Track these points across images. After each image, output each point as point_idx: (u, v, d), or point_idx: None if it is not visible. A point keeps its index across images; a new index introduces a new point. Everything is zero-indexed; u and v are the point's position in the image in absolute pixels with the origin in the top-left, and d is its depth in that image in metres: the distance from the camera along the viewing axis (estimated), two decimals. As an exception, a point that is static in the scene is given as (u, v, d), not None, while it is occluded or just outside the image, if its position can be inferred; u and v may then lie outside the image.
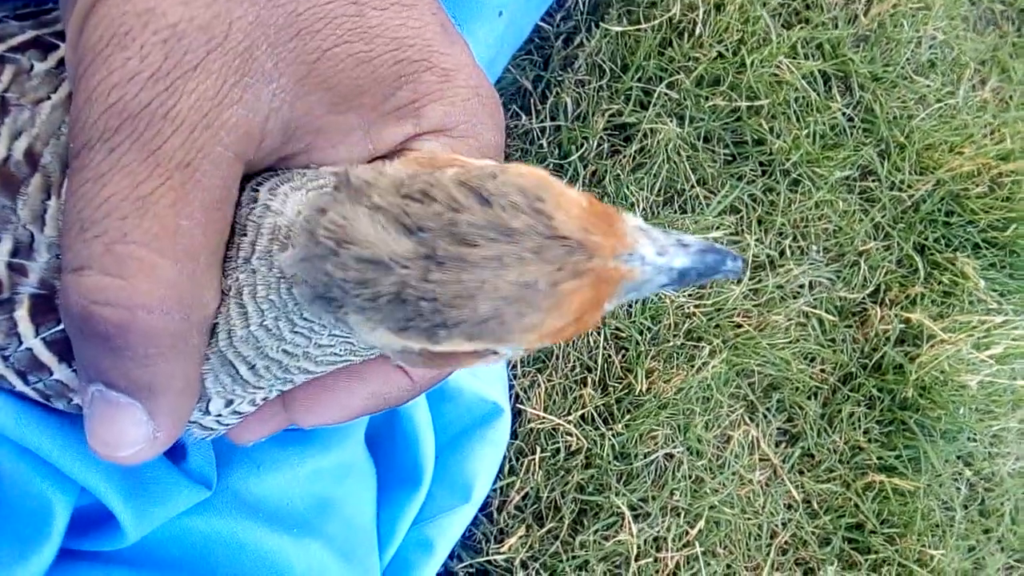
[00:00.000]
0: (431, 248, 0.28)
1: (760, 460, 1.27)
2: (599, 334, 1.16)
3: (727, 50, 1.32)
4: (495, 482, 1.08)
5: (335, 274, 0.30)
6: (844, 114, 1.44)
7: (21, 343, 0.41)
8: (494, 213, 0.28)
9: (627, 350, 1.18)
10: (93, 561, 0.62)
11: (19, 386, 0.44)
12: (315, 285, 0.31)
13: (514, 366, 1.12)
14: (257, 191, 0.39)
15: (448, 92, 0.40)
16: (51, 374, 0.42)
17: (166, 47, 0.36)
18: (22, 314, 0.40)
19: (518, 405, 1.11)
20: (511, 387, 1.11)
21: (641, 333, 1.18)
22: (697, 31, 1.28)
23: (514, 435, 1.11)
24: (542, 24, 1.30)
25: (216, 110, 0.37)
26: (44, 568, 0.55)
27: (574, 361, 1.16)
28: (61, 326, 0.41)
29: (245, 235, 0.38)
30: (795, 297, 1.34)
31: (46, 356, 0.42)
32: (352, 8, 0.39)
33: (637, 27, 1.28)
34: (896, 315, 1.35)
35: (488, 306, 0.28)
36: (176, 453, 0.64)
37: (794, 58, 1.40)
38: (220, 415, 0.46)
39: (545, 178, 0.29)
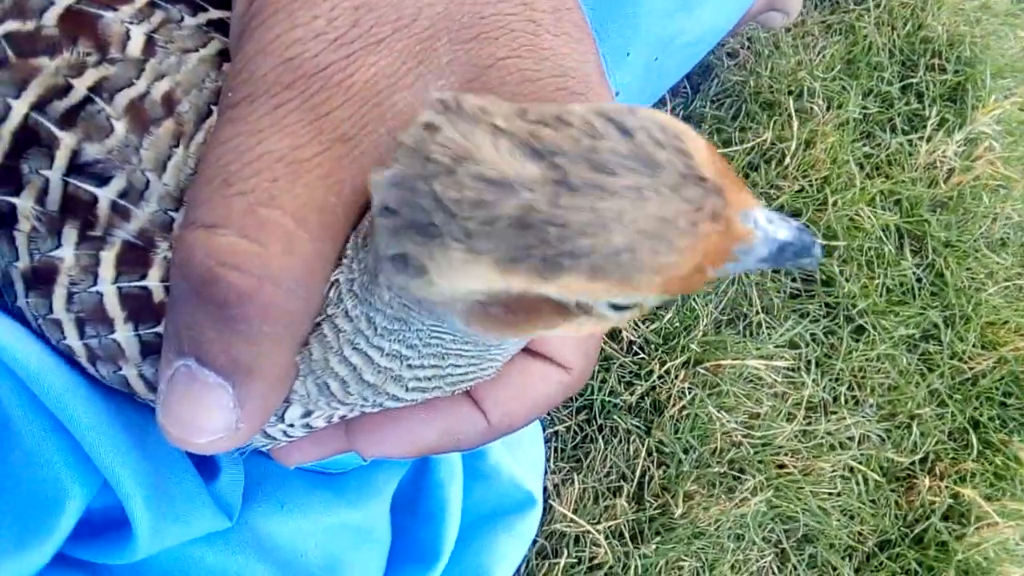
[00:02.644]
0: (564, 173, 0.25)
1: (784, 616, 1.18)
2: (641, 444, 1.10)
3: (811, 185, 1.31)
4: (510, 581, 0.99)
5: (446, 194, 0.26)
6: (914, 273, 1.41)
7: (95, 283, 0.38)
8: (636, 144, 0.26)
9: (668, 466, 1.11)
10: (87, 572, 0.56)
11: (71, 338, 0.40)
12: (411, 211, 0.27)
13: (550, 459, 1.06)
14: None
15: None
16: (111, 331, 0.39)
17: (356, 14, 0.35)
18: (108, 255, 0.37)
19: (548, 501, 1.04)
20: (544, 480, 1.04)
21: (686, 452, 1.11)
22: (785, 161, 1.28)
23: (537, 533, 1.04)
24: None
25: (389, 90, 0.35)
26: (39, 566, 0.49)
27: (611, 466, 1.09)
28: (143, 282, 0.38)
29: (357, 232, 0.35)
30: (843, 448, 1.28)
31: (114, 307, 0.38)
32: (531, 26, 0.38)
33: (727, 150, 1.28)
34: (946, 487, 1.28)
35: (623, 238, 0.25)
36: (207, 470, 0.58)
37: (873, 208, 1.39)
38: (292, 424, 0.42)
39: (686, 126, 0.27)
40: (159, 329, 0.38)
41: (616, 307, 0.29)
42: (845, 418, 1.27)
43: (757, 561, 1.18)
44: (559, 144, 0.26)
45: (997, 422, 1.40)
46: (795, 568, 1.21)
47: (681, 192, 0.26)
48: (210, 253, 0.33)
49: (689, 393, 1.16)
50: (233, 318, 0.33)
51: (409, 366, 0.37)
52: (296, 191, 0.33)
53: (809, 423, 1.25)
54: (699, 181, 0.26)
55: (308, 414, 0.41)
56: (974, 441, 1.36)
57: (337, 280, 0.35)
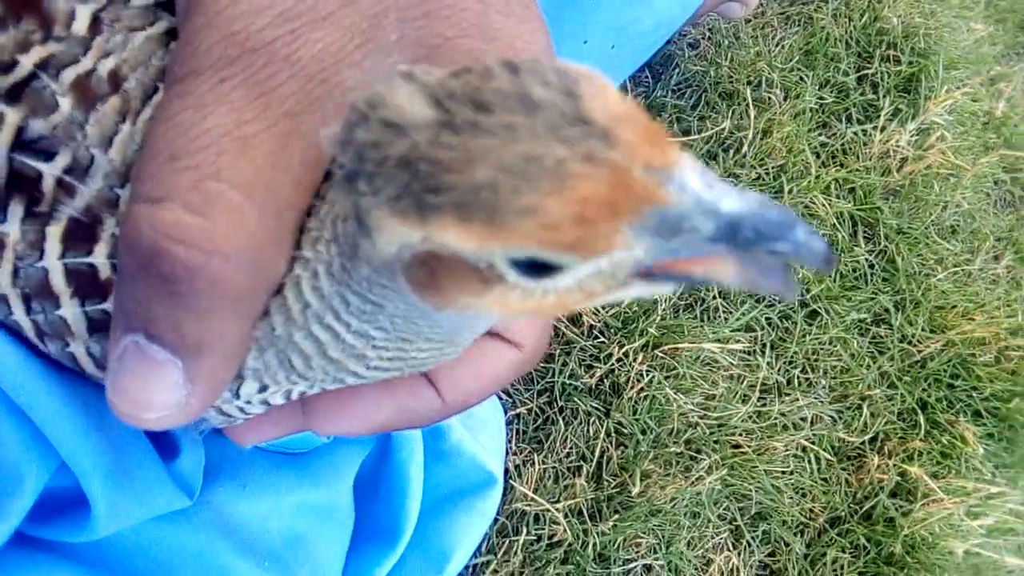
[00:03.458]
0: (450, 115, 0.25)
1: (737, 590, 1.21)
2: (600, 425, 1.12)
3: (767, 173, 1.34)
4: (471, 558, 1.01)
5: (359, 138, 0.27)
6: (867, 259, 1.45)
7: (41, 259, 0.37)
8: (520, 83, 0.25)
9: (626, 447, 1.14)
10: (47, 551, 0.56)
11: (19, 314, 0.40)
12: (346, 162, 0.28)
13: (511, 440, 1.08)
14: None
15: None
16: (57, 307, 0.39)
17: None
18: (55, 231, 0.37)
19: (508, 481, 1.06)
20: (504, 460, 1.06)
21: (644, 432, 1.14)
22: (743, 150, 1.30)
23: (497, 512, 1.06)
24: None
25: (336, 66, 0.34)
26: (-4, 547, 0.49)
27: (571, 447, 1.12)
28: (89, 259, 0.37)
29: (316, 211, 0.35)
30: (796, 428, 1.32)
31: (59, 283, 0.38)
32: (479, 6, 0.37)
33: (686, 138, 1.30)
34: (894, 466, 1.33)
35: (485, 173, 0.24)
36: (167, 450, 0.59)
37: (828, 196, 1.42)
38: (248, 401, 0.42)
39: (593, 73, 0.26)
40: (106, 306, 0.38)
41: (526, 269, 0.27)
42: (798, 399, 1.31)
43: (712, 538, 1.21)
44: (454, 88, 0.26)
45: (944, 403, 1.45)
46: (749, 544, 1.25)
47: (557, 132, 0.24)
48: (156, 227, 0.32)
49: (647, 375, 1.18)
50: (181, 293, 0.33)
51: (374, 347, 0.37)
52: (242, 166, 0.33)
53: (763, 404, 1.28)
54: (580, 122, 0.24)
55: (264, 389, 0.40)
56: (922, 421, 1.40)
57: (308, 258, 0.35)
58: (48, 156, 0.37)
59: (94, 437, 0.49)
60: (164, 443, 0.58)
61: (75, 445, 0.48)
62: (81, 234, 0.37)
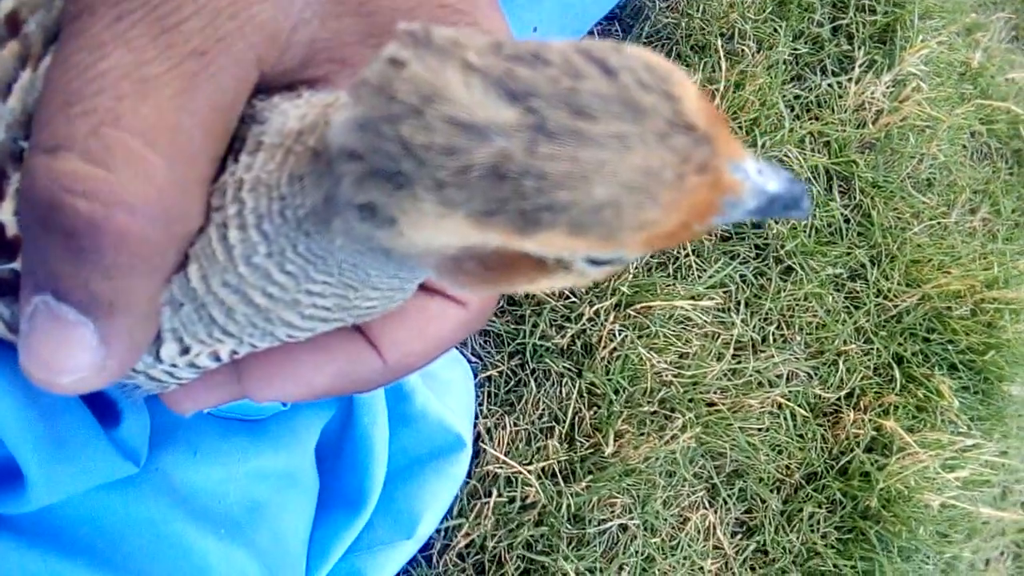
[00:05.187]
0: (541, 118, 0.23)
1: (714, 548, 1.21)
2: (573, 385, 1.11)
3: (740, 127, 1.32)
4: (442, 522, 1.00)
5: (414, 139, 0.24)
6: (842, 214, 1.44)
7: None
8: (621, 86, 0.24)
9: (599, 407, 1.13)
10: (-17, 523, 0.54)
11: None
12: (377, 157, 0.25)
13: (482, 403, 1.06)
14: (252, 106, 0.34)
15: None
16: None
17: None
18: None
19: (479, 444, 1.05)
20: (475, 423, 1.05)
21: (617, 392, 1.13)
22: (716, 103, 1.28)
23: (468, 475, 1.04)
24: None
25: (245, 0, 0.32)
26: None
27: (543, 408, 1.10)
28: None
29: (236, 153, 0.33)
30: (771, 385, 1.31)
31: None
32: None
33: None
34: (870, 421, 1.32)
35: (605, 191, 0.23)
36: (108, 417, 0.57)
37: (802, 150, 1.40)
38: (174, 364, 0.40)
39: (675, 67, 0.25)
40: (14, 265, 0.36)
41: (596, 262, 0.27)
42: (773, 356, 1.30)
43: (688, 496, 1.21)
44: (536, 85, 0.24)
45: (920, 357, 1.44)
46: (725, 502, 1.25)
47: (668, 141, 0.24)
48: (52, 179, 0.30)
49: (620, 335, 1.17)
50: (85, 249, 0.31)
51: (309, 292, 0.35)
52: (144, 111, 0.31)
53: (739, 362, 1.27)
54: (687, 130, 0.24)
55: (187, 351, 0.38)
56: (898, 376, 1.40)
57: (243, 203, 0.32)
58: None
59: (24, 405, 0.47)
60: (104, 410, 0.56)
61: (4, 413, 0.46)
62: None
